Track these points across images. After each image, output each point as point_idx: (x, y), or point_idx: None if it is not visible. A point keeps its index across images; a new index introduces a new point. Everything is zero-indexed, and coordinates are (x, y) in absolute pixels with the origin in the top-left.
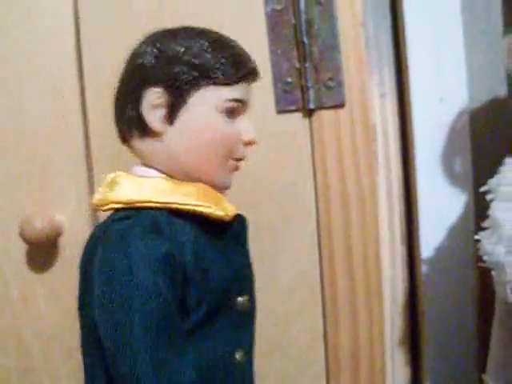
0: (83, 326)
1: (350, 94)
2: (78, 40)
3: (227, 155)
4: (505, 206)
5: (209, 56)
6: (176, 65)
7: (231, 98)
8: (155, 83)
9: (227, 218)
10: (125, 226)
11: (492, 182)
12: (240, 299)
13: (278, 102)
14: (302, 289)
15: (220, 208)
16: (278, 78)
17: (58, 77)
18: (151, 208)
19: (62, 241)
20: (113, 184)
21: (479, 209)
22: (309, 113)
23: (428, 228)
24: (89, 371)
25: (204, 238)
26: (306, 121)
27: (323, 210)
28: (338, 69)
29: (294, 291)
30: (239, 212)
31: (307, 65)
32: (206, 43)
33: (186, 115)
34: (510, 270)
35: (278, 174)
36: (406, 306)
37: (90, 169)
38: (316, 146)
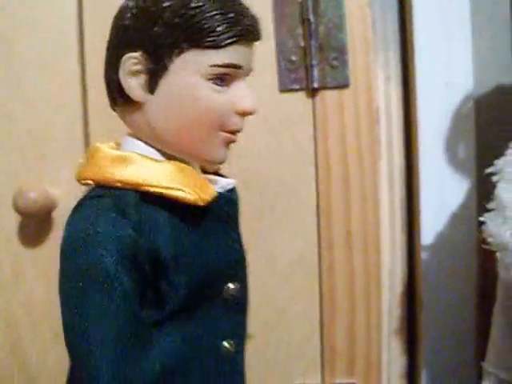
0: None
1: (355, 75)
2: (80, 5)
3: (215, 127)
4: (511, 187)
5: (193, 14)
6: (155, 25)
7: (219, 63)
8: (133, 47)
9: (201, 203)
10: (91, 205)
11: (498, 164)
12: (228, 287)
13: (281, 80)
14: (299, 274)
15: (196, 190)
16: (282, 56)
17: (57, 48)
18: (121, 188)
19: (56, 215)
20: (89, 158)
21: (482, 195)
22: (312, 92)
23: (429, 214)
24: None
25: (182, 221)
26: (310, 100)
27: (323, 193)
28: (343, 48)
29: (292, 276)
30: (231, 190)
31: (312, 43)
32: None
33: (166, 83)
34: None
35: (278, 153)
36: (404, 293)
37: (86, 142)
38: (318, 126)
